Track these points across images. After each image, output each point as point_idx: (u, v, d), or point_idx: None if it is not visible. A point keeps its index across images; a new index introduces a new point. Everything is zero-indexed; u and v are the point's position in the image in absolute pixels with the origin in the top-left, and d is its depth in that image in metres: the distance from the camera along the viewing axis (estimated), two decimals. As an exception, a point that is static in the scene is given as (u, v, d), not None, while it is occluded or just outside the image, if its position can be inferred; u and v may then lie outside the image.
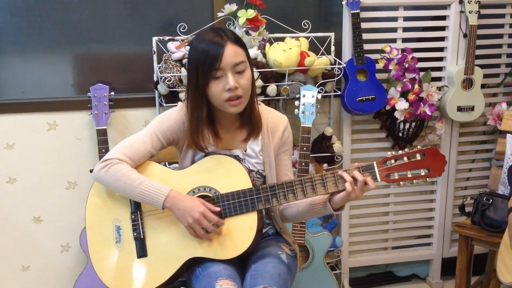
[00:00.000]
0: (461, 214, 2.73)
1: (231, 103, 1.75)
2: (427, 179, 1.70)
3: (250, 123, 1.86)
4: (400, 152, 1.71)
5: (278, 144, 1.91)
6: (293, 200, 1.77)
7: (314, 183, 1.74)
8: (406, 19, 2.91)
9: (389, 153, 1.72)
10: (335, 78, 2.73)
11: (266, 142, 1.89)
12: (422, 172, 1.70)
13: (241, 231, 1.77)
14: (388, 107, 2.81)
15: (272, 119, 1.91)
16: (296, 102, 2.53)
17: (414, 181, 1.70)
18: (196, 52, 1.75)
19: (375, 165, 1.71)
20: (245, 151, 1.89)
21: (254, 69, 2.54)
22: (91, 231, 1.85)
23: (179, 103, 1.88)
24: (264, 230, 1.98)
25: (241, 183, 1.79)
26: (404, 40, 2.92)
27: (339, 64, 2.75)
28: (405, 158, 1.70)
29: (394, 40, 2.90)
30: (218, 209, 1.76)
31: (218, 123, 1.87)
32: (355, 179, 1.70)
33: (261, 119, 1.88)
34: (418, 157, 1.70)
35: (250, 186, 1.79)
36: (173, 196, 1.74)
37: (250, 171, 1.87)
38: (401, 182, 1.71)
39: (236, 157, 1.87)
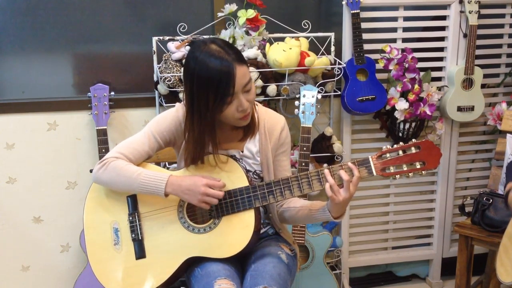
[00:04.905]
0: (461, 214, 2.73)
1: (242, 120, 1.76)
2: (423, 171, 1.70)
3: None
4: (395, 146, 1.72)
5: (276, 145, 1.91)
6: (289, 197, 1.77)
7: (310, 179, 1.74)
8: (406, 19, 2.90)
9: (384, 147, 1.72)
10: (335, 78, 2.73)
11: (263, 143, 1.89)
12: (418, 165, 1.70)
13: (238, 229, 1.77)
14: (388, 107, 2.81)
15: (270, 120, 1.91)
16: (296, 102, 2.53)
17: (410, 174, 1.70)
18: (204, 71, 1.65)
19: (370, 159, 1.71)
20: (242, 151, 1.89)
21: (255, 69, 2.55)
22: (89, 233, 1.85)
23: (177, 104, 1.88)
24: (263, 230, 1.98)
25: (238, 183, 1.79)
26: (404, 40, 2.92)
27: (339, 64, 2.74)
28: (400, 152, 1.71)
29: (394, 40, 2.90)
30: (221, 183, 1.75)
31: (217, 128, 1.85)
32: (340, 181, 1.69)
33: (258, 118, 1.88)
34: (413, 150, 1.70)
35: (247, 185, 1.79)
36: (173, 180, 1.75)
37: (247, 171, 1.87)
38: (397, 176, 1.71)
39: (233, 157, 1.87)
